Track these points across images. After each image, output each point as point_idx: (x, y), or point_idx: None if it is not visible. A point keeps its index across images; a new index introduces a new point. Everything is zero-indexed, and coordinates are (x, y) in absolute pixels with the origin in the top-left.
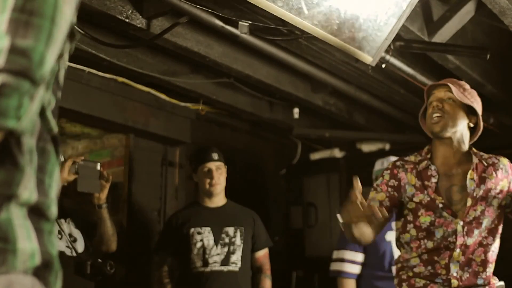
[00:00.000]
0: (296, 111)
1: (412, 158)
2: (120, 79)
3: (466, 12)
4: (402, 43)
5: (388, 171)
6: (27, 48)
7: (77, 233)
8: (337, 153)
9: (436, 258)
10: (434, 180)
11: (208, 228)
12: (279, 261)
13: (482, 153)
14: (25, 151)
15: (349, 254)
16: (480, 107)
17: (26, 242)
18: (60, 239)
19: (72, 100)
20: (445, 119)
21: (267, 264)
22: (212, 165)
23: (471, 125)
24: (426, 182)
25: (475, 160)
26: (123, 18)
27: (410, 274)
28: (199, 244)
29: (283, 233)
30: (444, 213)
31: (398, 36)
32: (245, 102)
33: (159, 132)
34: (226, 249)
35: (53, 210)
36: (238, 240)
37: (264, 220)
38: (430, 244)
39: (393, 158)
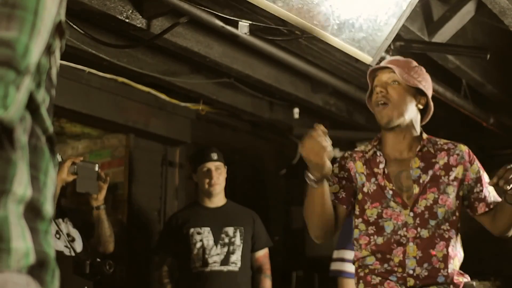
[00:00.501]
0: (296, 111)
1: (362, 147)
2: (120, 79)
3: (466, 12)
4: (402, 43)
5: (336, 164)
6: (11, 39)
7: (75, 233)
8: (337, 153)
9: (388, 256)
10: (381, 165)
11: (208, 228)
12: (279, 261)
13: (436, 139)
14: (17, 147)
15: (349, 254)
16: (429, 86)
17: (21, 241)
18: (59, 238)
19: (72, 100)
20: (391, 108)
21: (267, 264)
22: (211, 165)
23: (421, 106)
24: (375, 169)
25: (418, 147)
26: (123, 18)
27: (366, 271)
28: (198, 244)
29: (283, 233)
30: (392, 203)
31: (398, 36)
32: (245, 102)
33: (159, 132)
34: (225, 249)
35: (48, 208)
36: (237, 240)
37: (264, 220)
38: (379, 240)
39: None
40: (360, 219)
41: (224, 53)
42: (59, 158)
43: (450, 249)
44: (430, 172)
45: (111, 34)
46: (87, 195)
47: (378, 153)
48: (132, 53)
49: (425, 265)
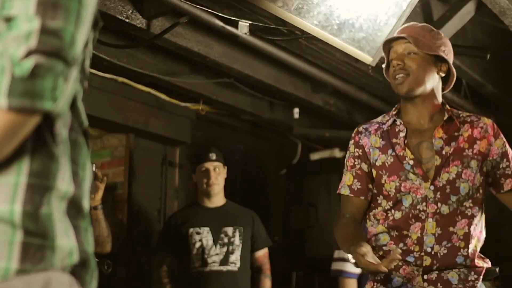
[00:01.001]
0: (296, 111)
1: (379, 118)
2: (120, 79)
3: (466, 12)
4: None
5: (352, 141)
6: (58, 28)
7: None
8: (337, 153)
9: (406, 232)
10: (402, 134)
11: (207, 228)
12: (279, 261)
13: (458, 111)
14: (59, 141)
15: None
16: (449, 50)
17: (65, 239)
18: None
19: None
20: (410, 79)
21: (267, 264)
22: (209, 165)
23: (442, 74)
24: (394, 140)
25: (445, 116)
26: (123, 18)
27: (381, 253)
28: (198, 244)
29: (283, 233)
30: (411, 175)
31: None
32: (245, 102)
33: (159, 132)
34: (225, 249)
35: (86, 204)
36: (237, 240)
37: (264, 220)
38: (398, 215)
39: None
40: (381, 196)
41: (224, 53)
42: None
43: (472, 228)
44: (453, 144)
45: (111, 34)
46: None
47: (398, 122)
48: (132, 53)
49: (444, 243)
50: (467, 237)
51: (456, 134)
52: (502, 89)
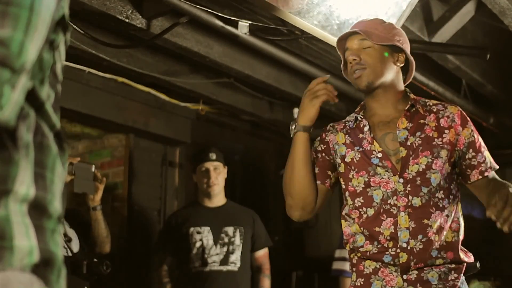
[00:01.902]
0: (296, 111)
1: (346, 118)
2: (120, 79)
3: (466, 12)
4: None
5: (318, 138)
6: (5, 37)
7: (72, 233)
8: None
9: (377, 228)
10: (366, 129)
11: (208, 228)
12: (279, 261)
13: (425, 99)
14: (20, 145)
15: None
16: (404, 40)
17: (24, 239)
18: None
19: (72, 100)
20: (367, 72)
21: (267, 264)
22: (209, 165)
23: (400, 64)
24: (359, 135)
25: (406, 106)
26: (123, 18)
27: (359, 255)
28: (198, 244)
29: (283, 233)
30: (379, 169)
31: None
32: (245, 102)
33: (159, 132)
34: (225, 249)
35: (56, 206)
36: (237, 240)
37: (264, 220)
38: (370, 212)
39: None
40: (347, 192)
41: (224, 53)
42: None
43: (443, 220)
44: (419, 134)
45: (111, 34)
46: (84, 196)
47: (359, 117)
48: (132, 53)
49: (420, 237)
50: (440, 230)
51: (421, 121)
52: (502, 89)
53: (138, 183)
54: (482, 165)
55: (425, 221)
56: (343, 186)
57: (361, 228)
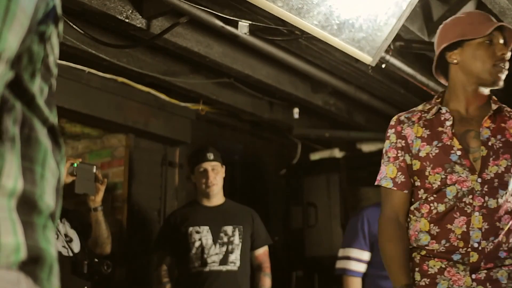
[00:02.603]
0: (296, 111)
1: (419, 107)
2: (120, 79)
3: None
4: (402, 43)
5: (393, 130)
6: None
7: (72, 233)
8: (337, 153)
9: (449, 226)
10: (448, 123)
11: (207, 227)
12: (279, 261)
13: (504, 105)
14: (5, 138)
15: (355, 252)
16: None
17: (10, 236)
18: (57, 239)
19: (72, 100)
20: (505, 74)
21: (267, 262)
22: (207, 165)
23: None
24: (439, 129)
25: (494, 107)
26: (123, 18)
27: (423, 253)
28: (197, 243)
29: (283, 233)
30: (457, 167)
31: (398, 36)
32: (245, 102)
33: (159, 132)
34: (224, 248)
35: (48, 202)
36: (236, 239)
37: (264, 220)
38: (441, 207)
39: None
40: (422, 190)
41: (224, 53)
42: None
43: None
44: (500, 137)
45: (111, 34)
46: (85, 197)
47: (443, 110)
48: (132, 53)
49: (491, 238)
50: (508, 233)
51: (503, 126)
52: (502, 89)
53: (138, 183)
54: None
55: (497, 223)
56: (417, 184)
57: (430, 224)
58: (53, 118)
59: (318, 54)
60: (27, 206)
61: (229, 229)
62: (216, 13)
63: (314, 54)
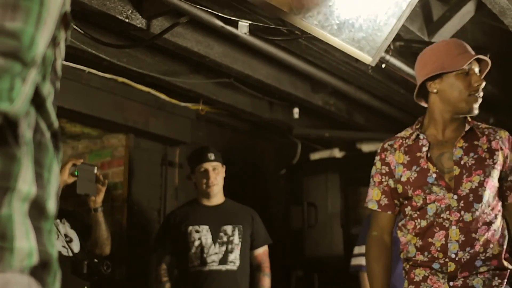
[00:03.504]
0: (296, 111)
1: (402, 133)
2: (120, 79)
3: (466, 12)
4: (402, 43)
5: (378, 157)
6: (16, 30)
7: (72, 234)
8: (337, 153)
9: (430, 239)
10: (424, 149)
11: (206, 227)
12: (279, 261)
13: (477, 122)
14: (22, 143)
15: None
16: None
17: (24, 241)
18: (57, 239)
19: (72, 100)
20: (479, 102)
21: (266, 262)
22: (208, 165)
23: None
24: (417, 154)
25: (467, 127)
26: (123, 18)
27: (411, 263)
28: (197, 243)
29: (283, 233)
30: (435, 188)
31: (398, 36)
32: (245, 102)
33: (159, 132)
34: (224, 248)
35: (52, 206)
36: (236, 239)
37: (264, 220)
38: (423, 223)
39: None
40: (409, 207)
41: (224, 53)
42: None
43: (490, 234)
44: (473, 155)
45: (111, 34)
46: (85, 197)
47: (421, 136)
48: (132, 53)
49: (468, 249)
50: (486, 243)
51: (475, 143)
52: (502, 89)
53: (138, 183)
54: None
55: (473, 235)
56: (405, 202)
57: (416, 237)
58: (57, 123)
59: (318, 54)
60: (37, 211)
61: (228, 228)
62: (216, 13)
63: (314, 54)
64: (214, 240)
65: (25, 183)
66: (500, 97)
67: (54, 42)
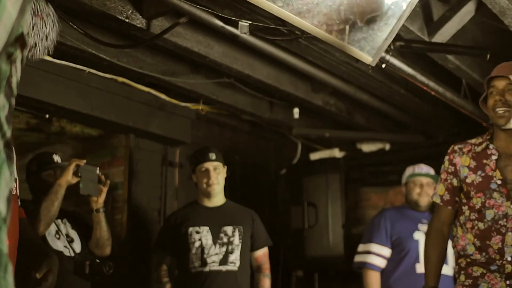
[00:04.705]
0: (296, 111)
1: (472, 140)
2: (120, 79)
3: (466, 12)
4: (402, 43)
5: (447, 157)
6: None
7: (74, 234)
8: (337, 153)
9: (488, 242)
10: (494, 158)
11: (207, 228)
12: (279, 261)
13: None
14: None
15: (376, 247)
16: None
17: None
18: (58, 239)
19: (72, 100)
20: (510, 111)
21: (267, 264)
22: (209, 165)
23: None
24: (484, 161)
25: None
26: (123, 18)
27: (468, 260)
28: (197, 244)
29: (283, 233)
30: (495, 194)
31: (398, 36)
32: (245, 102)
33: (159, 132)
34: (224, 248)
35: (1, 208)
36: (236, 240)
37: (264, 220)
38: (481, 226)
39: (423, 166)
40: (466, 206)
41: (224, 53)
42: (58, 159)
43: None
44: None
45: (111, 34)
46: (87, 198)
47: (491, 146)
48: (132, 53)
49: None
50: None
51: None
52: None
53: (138, 183)
54: None
55: None
56: (464, 201)
57: (475, 238)
58: (9, 133)
59: (318, 54)
60: None
61: (229, 229)
62: (216, 13)
63: (314, 54)
64: (215, 241)
65: None
66: None
67: (10, 58)
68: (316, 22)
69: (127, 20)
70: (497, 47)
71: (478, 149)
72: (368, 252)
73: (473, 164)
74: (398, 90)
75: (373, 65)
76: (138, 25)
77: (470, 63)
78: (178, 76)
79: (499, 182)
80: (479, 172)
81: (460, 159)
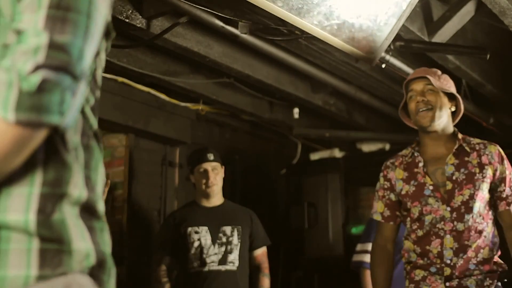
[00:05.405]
0: (296, 111)
1: (402, 152)
2: (120, 79)
3: (466, 12)
4: (402, 43)
5: (381, 174)
6: (66, 43)
7: None
8: (337, 153)
9: (427, 247)
10: (421, 165)
11: (206, 228)
12: (279, 261)
13: (470, 138)
14: (70, 148)
15: None
16: (454, 89)
17: (81, 242)
18: None
19: None
20: (432, 111)
21: (266, 263)
22: (207, 165)
23: (453, 109)
24: (415, 170)
25: (457, 144)
26: (123, 18)
27: (411, 265)
28: (196, 244)
29: (283, 233)
30: (430, 200)
31: (398, 36)
32: (245, 102)
33: (159, 132)
34: (223, 248)
35: (101, 206)
36: (235, 239)
37: (264, 220)
38: (420, 233)
39: None
40: (408, 218)
41: (224, 53)
42: None
43: (481, 240)
44: (463, 170)
45: None
46: None
47: (416, 154)
48: (132, 53)
49: (461, 255)
50: (478, 248)
51: (466, 159)
52: (502, 89)
53: (138, 183)
54: (509, 197)
55: (466, 242)
56: (405, 213)
57: (414, 245)
58: (95, 124)
59: (318, 54)
60: (88, 212)
61: (227, 229)
62: (216, 13)
63: (314, 54)
64: (213, 241)
65: (76, 188)
66: (500, 97)
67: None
68: (316, 22)
69: (127, 20)
70: (497, 47)
71: (408, 159)
72: (366, 252)
73: (405, 175)
74: (398, 90)
75: (373, 65)
76: (138, 25)
77: (470, 63)
78: (178, 76)
79: (431, 187)
80: (412, 182)
81: (394, 173)
